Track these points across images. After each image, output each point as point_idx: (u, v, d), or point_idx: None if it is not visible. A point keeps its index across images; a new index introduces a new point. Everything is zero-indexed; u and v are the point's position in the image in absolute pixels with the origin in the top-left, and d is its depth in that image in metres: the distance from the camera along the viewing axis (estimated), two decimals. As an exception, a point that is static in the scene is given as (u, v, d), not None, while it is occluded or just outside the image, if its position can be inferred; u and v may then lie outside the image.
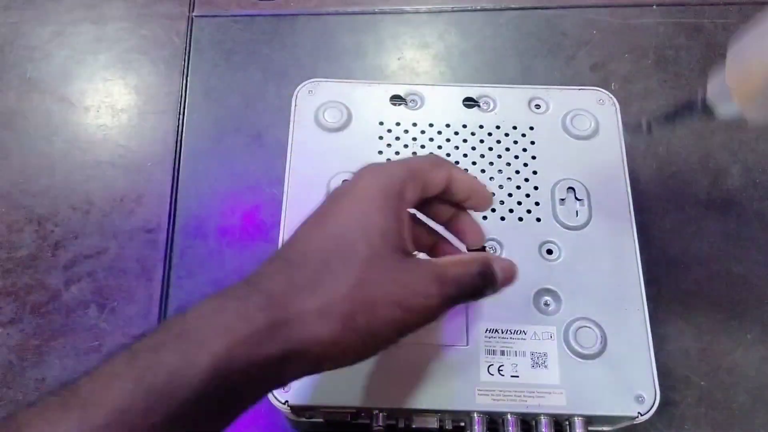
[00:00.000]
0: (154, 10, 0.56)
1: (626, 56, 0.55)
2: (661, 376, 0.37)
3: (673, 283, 0.46)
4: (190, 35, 0.55)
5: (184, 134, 0.51)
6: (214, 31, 0.55)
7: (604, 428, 0.38)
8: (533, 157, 0.43)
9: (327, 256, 0.26)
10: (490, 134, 0.44)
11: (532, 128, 0.44)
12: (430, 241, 0.32)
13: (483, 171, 0.43)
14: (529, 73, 0.54)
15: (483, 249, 0.34)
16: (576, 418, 0.36)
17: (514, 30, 0.56)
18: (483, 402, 0.36)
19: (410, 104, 0.45)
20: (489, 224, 0.41)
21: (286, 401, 0.36)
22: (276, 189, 0.43)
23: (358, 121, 0.44)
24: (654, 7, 0.57)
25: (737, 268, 0.46)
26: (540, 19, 0.56)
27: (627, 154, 0.44)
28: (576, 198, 0.42)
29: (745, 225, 0.48)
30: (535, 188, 0.42)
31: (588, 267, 0.39)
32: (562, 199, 0.42)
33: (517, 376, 0.36)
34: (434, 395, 0.36)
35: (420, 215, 0.32)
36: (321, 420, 0.38)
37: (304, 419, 0.39)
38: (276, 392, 0.36)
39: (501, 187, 0.42)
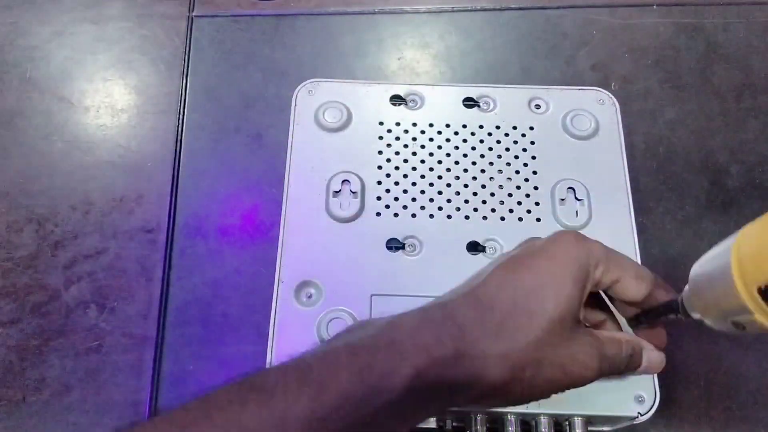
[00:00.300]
0: (154, 10, 0.56)
1: (626, 56, 0.55)
2: (661, 376, 0.37)
3: (673, 283, 0.46)
4: (190, 35, 0.55)
5: (184, 134, 0.51)
6: (214, 31, 0.55)
7: (604, 428, 0.38)
8: (533, 157, 0.43)
9: (516, 307, 0.28)
10: (490, 134, 0.44)
11: (532, 128, 0.44)
12: (596, 319, 0.34)
13: (483, 171, 0.43)
14: (529, 73, 0.54)
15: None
16: (576, 418, 0.36)
17: (514, 30, 0.56)
18: None
19: (410, 104, 0.45)
20: (489, 224, 0.41)
21: None
22: (276, 189, 0.43)
23: (358, 121, 0.44)
24: (654, 7, 0.57)
25: (737, 268, 0.46)
26: (540, 19, 0.56)
27: (627, 154, 0.44)
28: (576, 198, 0.42)
29: (745, 225, 0.48)
30: (535, 188, 0.42)
31: None
32: (562, 199, 0.42)
33: None
34: None
35: (607, 301, 0.34)
36: None
37: None
38: None
39: (501, 187, 0.42)
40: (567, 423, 0.36)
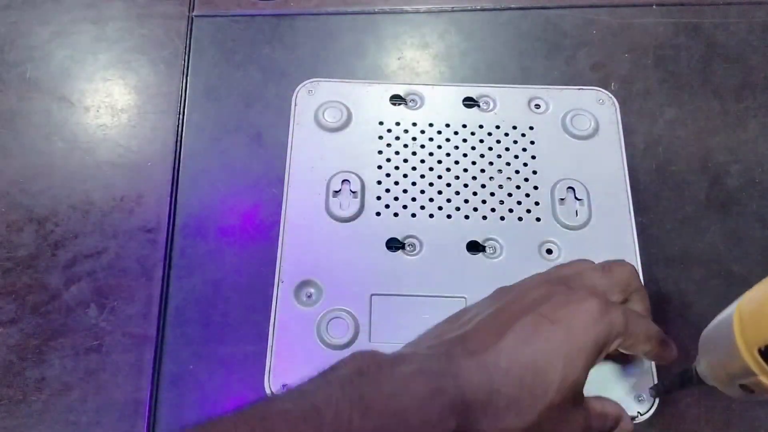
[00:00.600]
0: (154, 10, 0.56)
1: (626, 56, 0.55)
2: (661, 377, 0.37)
3: (673, 283, 0.46)
4: (190, 35, 0.55)
5: (184, 134, 0.51)
6: (214, 31, 0.55)
7: None
8: (533, 157, 0.43)
9: (522, 389, 0.28)
10: (489, 134, 0.44)
11: (531, 128, 0.44)
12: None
13: (483, 170, 0.43)
14: (529, 73, 0.54)
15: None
16: None
17: (514, 30, 0.56)
18: None
19: (410, 104, 0.45)
20: (489, 224, 0.41)
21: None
22: (276, 189, 0.43)
23: (358, 120, 0.44)
24: (654, 7, 0.57)
25: (737, 268, 0.46)
26: (540, 19, 0.56)
27: (627, 154, 0.44)
28: (576, 198, 0.42)
29: (745, 225, 0.48)
30: (535, 188, 0.42)
31: None
32: (562, 199, 0.42)
33: None
34: None
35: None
36: None
37: None
38: (276, 391, 0.36)
39: (501, 186, 0.42)
40: None
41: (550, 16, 0.56)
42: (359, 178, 0.42)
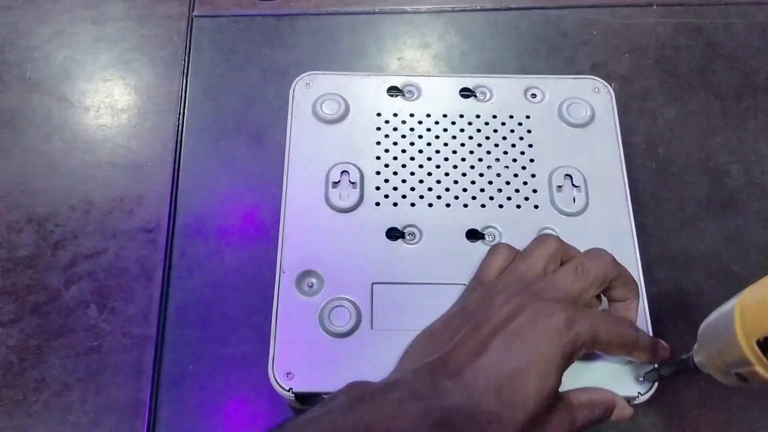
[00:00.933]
0: (154, 10, 0.56)
1: (626, 56, 0.55)
2: (661, 377, 0.37)
3: (673, 283, 0.46)
4: (190, 35, 0.55)
5: (184, 134, 0.51)
6: (214, 31, 0.55)
7: None
8: (530, 146, 0.44)
9: (502, 403, 0.30)
10: (487, 124, 0.45)
11: (528, 117, 0.45)
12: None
13: (480, 160, 0.43)
14: (529, 73, 0.53)
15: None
16: None
17: (514, 30, 0.56)
18: None
19: (407, 95, 0.46)
20: (488, 212, 0.42)
21: (291, 388, 0.36)
22: (276, 189, 0.43)
23: (356, 112, 0.45)
24: (654, 7, 0.57)
25: (737, 268, 0.46)
26: (540, 19, 0.56)
27: (626, 154, 0.44)
28: (573, 185, 0.42)
29: (745, 225, 0.48)
30: (533, 176, 0.43)
31: None
32: (560, 186, 0.42)
33: None
34: None
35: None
36: None
37: (308, 407, 0.39)
38: (280, 379, 0.36)
39: (499, 175, 0.43)
40: None
41: (550, 16, 0.56)
42: (358, 169, 0.42)
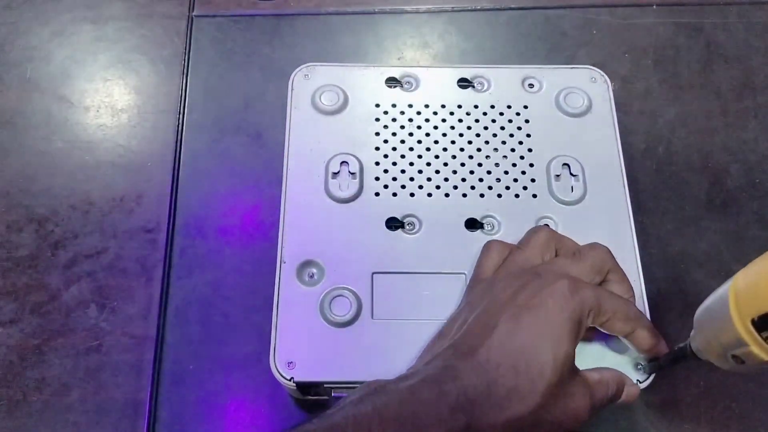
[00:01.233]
0: (154, 10, 0.56)
1: (626, 56, 0.55)
2: (662, 377, 0.37)
3: (673, 283, 0.46)
4: (190, 35, 0.55)
5: (184, 134, 0.51)
6: (214, 31, 0.55)
7: None
8: (528, 135, 0.44)
9: (518, 376, 0.30)
10: (485, 114, 0.45)
11: (526, 107, 0.45)
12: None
13: (479, 149, 0.44)
14: (529, 73, 0.54)
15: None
16: None
17: (514, 30, 0.56)
18: None
19: (405, 86, 0.46)
20: (486, 202, 0.42)
21: (292, 377, 0.36)
22: (276, 189, 0.43)
23: (355, 103, 0.45)
24: (654, 7, 0.57)
25: (737, 268, 0.46)
26: (540, 19, 0.56)
27: (626, 154, 0.44)
28: (571, 174, 0.43)
29: (745, 225, 0.48)
30: (531, 165, 0.43)
31: (584, 240, 0.39)
32: (558, 175, 0.43)
33: None
34: None
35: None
36: (327, 398, 0.38)
37: (309, 397, 0.39)
38: (281, 369, 0.36)
39: (497, 164, 0.43)
40: None
41: (550, 16, 0.56)
42: (357, 159, 0.43)
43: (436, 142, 0.44)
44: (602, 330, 0.35)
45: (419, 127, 0.44)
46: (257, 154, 0.50)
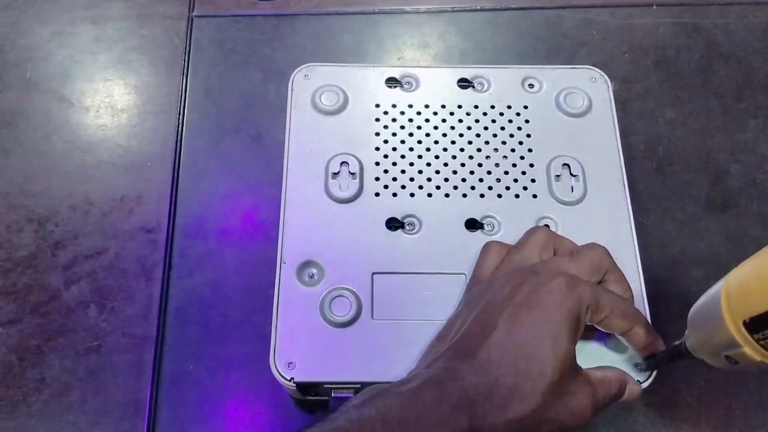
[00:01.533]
0: (154, 10, 0.56)
1: (626, 56, 0.55)
2: (661, 377, 0.37)
3: (673, 283, 0.46)
4: (190, 35, 0.55)
5: (184, 134, 0.51)
6: (214, 31, 0.55)
7: None
8: (528, 135, 0.44)
9: (518, 375, 0.30)
10: (485, 114, 0.45)
11: (526, 107, 0.45)
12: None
13: (479, 150, 0.43)
14: (529, 73, 0.54)
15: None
16: None
17: (514, 30, 0.56)
18: None
19: (405, 86, 0.46)
20: (486, 202, 0.42)
21: (292, 378, 0.36)
22: (276, 189, 0.43)
23: (355, 103, 0.45)
24: (654, 7, 0.57)
25: (737, 268, 0.46)
26: (540, 19, 0.56)
27: (626, 154, 0.44)
28: (571, 174, 0.43)
29: (745, 225, 0.48)
30: (531, 165, 0.43)
31: (585, 240, 0.39)
32: (558, 176, 0.43)
33: None
34: None
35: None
36: (327, 398, 0.38)
37: (309, 397, 0.39)
38: (281, 369, 0.36)
39: (497, 165, 0.43)
40: None
41: (550, 16, 0.56)
42: (357, 159, 0.43)
43: (436, 142, 0.44)
44: (600, 328, 0.35)
45: (419, 128, 0.44)
46: (257, 154, 0.50)
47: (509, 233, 0.40)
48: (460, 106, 0.45)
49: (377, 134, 0.44)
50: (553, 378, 0.30)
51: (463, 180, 0.42)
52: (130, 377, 0.42)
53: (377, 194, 0.42)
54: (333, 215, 0.41)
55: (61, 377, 0.42)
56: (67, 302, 0.45)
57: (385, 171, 0.43)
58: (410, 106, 0.45)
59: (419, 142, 0.44)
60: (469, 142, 0.44)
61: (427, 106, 0.45)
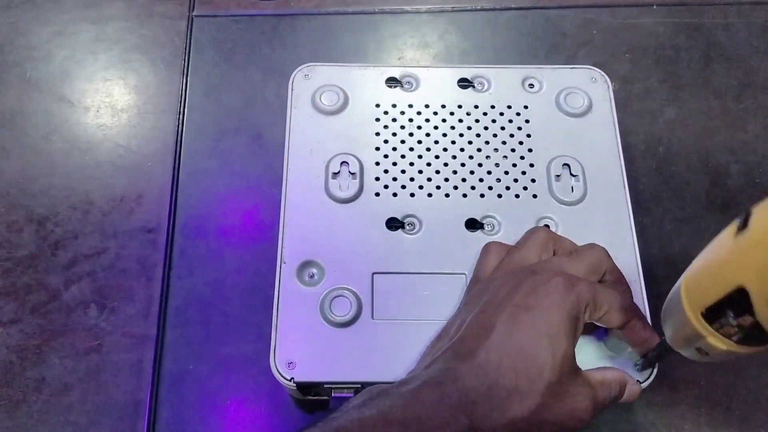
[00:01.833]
0: (154, 10, 0.56)
1: (626, 56, 0.55)
2: (661, 377, 0.37)
3: (673, 283, 0.46)
4: (190, 35, 0.55)
5: (184, 134, 0.51)
6: (214, 31, 0.55)
7: None
8: (528, 135, 0.44)
9: (517, 377, 0.30)
10: (485, 114, 0.45)
11: (526, 107, 0.45)
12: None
13: (479, 150, 0.43)
14: (529, 73, 0.54)
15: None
16: None
17: (514, 30, 0.56)
18: None
19: (405, 86, 0.46)
20: (486, 201, 0.42)
21: (292, 378, 0.36)
22: (276, 189, 0.43)
23: (355, 103, 0.45)
24: (654, 7, 0.57)
25: (737, 268, 0.46)
26: (540, 19, 0.56)
27: (626, 155, 0.44)
28: (571, 174, 0.43)
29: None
30: (531, 165, 0.43)
31: (585, 240, 0.39)
32: (558, 176, 0.43)
33: None
34: None
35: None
36: (327, 398, 0.38)
37: (309, 397, 0.39)
38: (281, 369, 0.36)
39: (497, 165, 0.43)
40: None
41: (550, 16, 0.56)
42: (357, 159, 0.43)
43: (436, 142, 0.44)
44: (599, 324, 0.35)
45: (419, 127, 0.44)
46: (257, 154, 0.50)
47: (509, 233, 0.40)
48: (460, 106, 0.45)
49: (377, 134, 0.44)
50: (552, 379, 0.30)
51: (464, 180, 0.42)
52: (130, 377, 0.42)
53: (377, 194, 0.42)
54: (333, 215, 0.41)
55: (61, 377, 0.42)
56: (67, 302, 0.45)
57: (386, 171, 0.43)
58: (410, 105, 0.45)
59: (419, 142, 0.44)
60: (470, 142, 0.44)
61: (427, 106, 0.45)
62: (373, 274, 0.39)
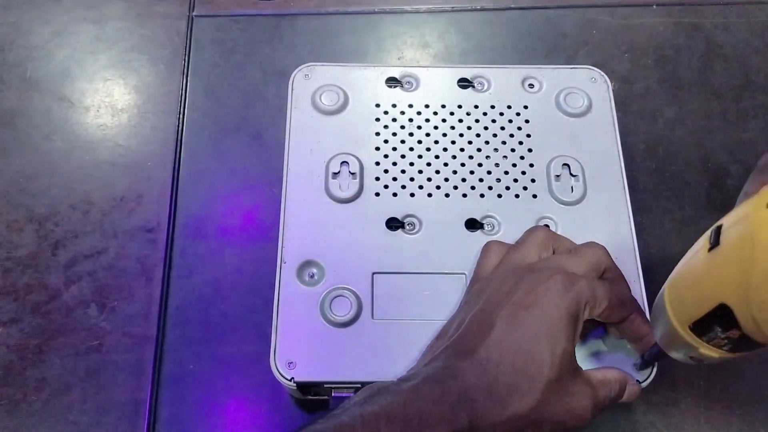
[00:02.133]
0: (154, 10, 0.56)
1: (626, 56, 0.55)
2: (661, 377, 0.37)
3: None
4: (190, 35, 0.55)
5: (184, 134, 0.51)
6: (214, 31, 0.55)
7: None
8: (528, 135, 0.44)
9: (517, 374, 0.31)
10: (485, 114, 0.45)
11: (526, 107, 0.45)
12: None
13: (479, 150, 0.44)
14: (529, 73, 0.54)
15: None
16: None
17: (514, 30, 0.56)
18: None
19: (405, 86, 0.46)
20: (486, 201, 0.42)
21: (292, 378, 0.36)
22: (276, 189, 0.43)
23: (355, 103, 0.45)
24: (654, 7, 0.57)
25: (737, 268, 0.46)
26: (540, 19, 0.56)
27: (626, 155, 0.44)
28: (571, 174, 0.43)
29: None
30: (531, 165, 0.43)
31: (584, 240, 0.39)
32: (558, 176, 0.43)
33: None
34: None
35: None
36: (327, 398, 0.38)
37: (310, 397, 0.39)
38: (282, 369, 0.36)
39: (497, 165, 0.43)
40: None
41: (550, 16, 0.56)
42: (358, 159, 0.43)
43: (436, 142, 0.44)
44: (599, 320, 0.35)
45: (419, 127, 0.44)
46: (257, 154, 0.50)
47: (509, 233, 0.40)
48: (460, 106, 0.45)
49: (377, 134, 0.44)
50: (552, 376, 0.31)
51: (463, 180, 0.42)
52: (130, 377, 0.42)
53: (377, 194, 0.42)
54: (333, 215, 0.41)
55: (62, 377, 0.42)
56: (67, 302, 0.45)
57: (386, 171, 0.43)
58: (410, 105, 0.45)
59: (419, 141, 0.44)
60: (469, 142, 0.44)
61: (427, 106, 0.45)
62: (373, 274, 0.39)
